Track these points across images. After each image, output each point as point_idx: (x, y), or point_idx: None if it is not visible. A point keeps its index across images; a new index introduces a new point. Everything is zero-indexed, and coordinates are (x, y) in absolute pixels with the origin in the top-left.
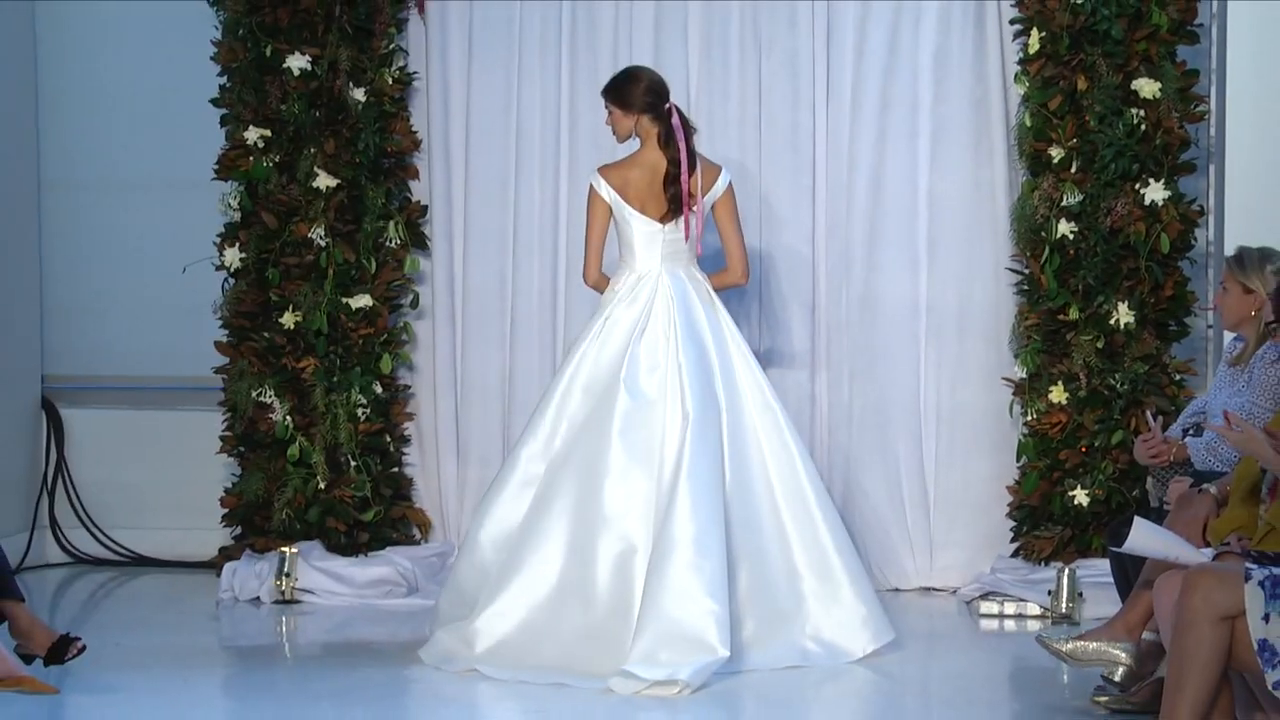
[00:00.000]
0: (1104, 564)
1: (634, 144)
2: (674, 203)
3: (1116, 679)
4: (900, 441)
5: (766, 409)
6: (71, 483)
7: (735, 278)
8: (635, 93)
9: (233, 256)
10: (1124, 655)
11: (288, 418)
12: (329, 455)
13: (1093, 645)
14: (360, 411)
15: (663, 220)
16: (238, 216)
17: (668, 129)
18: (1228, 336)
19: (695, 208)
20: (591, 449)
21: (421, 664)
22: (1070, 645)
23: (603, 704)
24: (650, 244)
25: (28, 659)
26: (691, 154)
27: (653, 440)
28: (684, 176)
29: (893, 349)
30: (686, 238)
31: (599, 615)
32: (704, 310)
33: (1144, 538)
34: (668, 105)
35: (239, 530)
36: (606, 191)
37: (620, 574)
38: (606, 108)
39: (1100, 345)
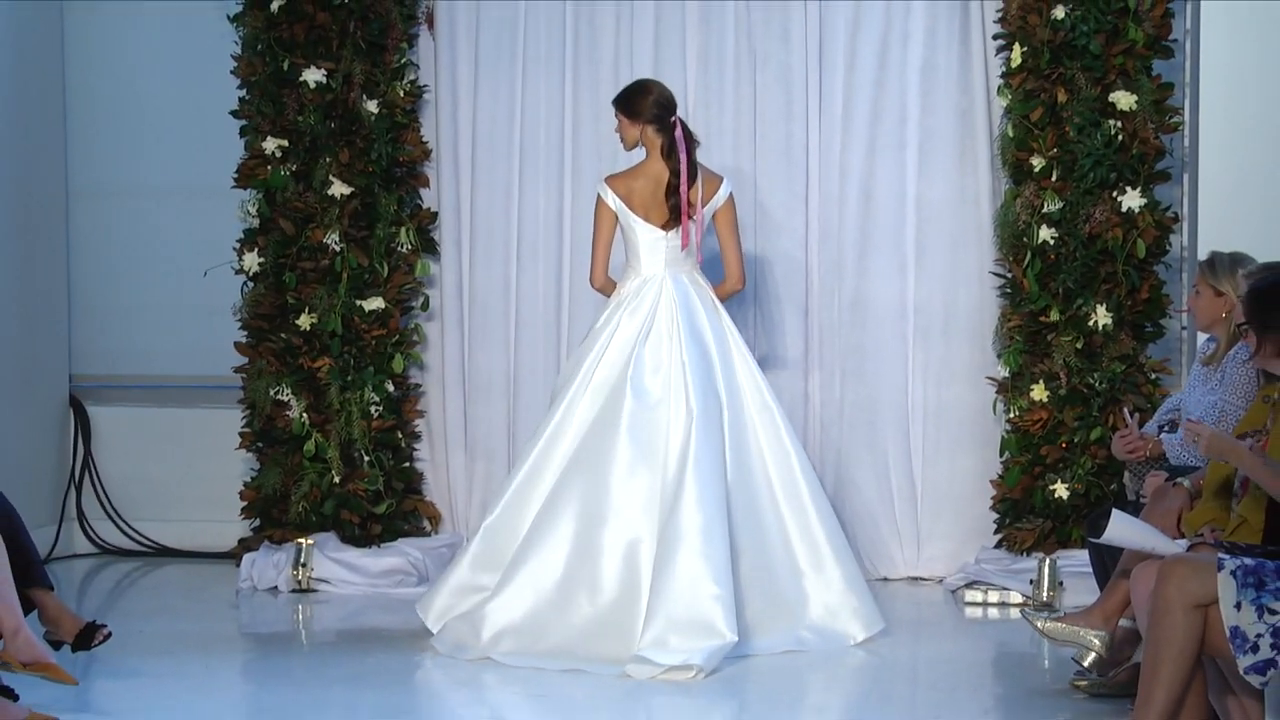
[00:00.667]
0: (1083, 554)
1: (640, 153)
2: (675, 212)
3: (1086, 664)
4: (889, 438)
5: (765, 408)
6: (98, 477)
7: (732, 284)
8: (643, 104)
9: (251, 261)
10: (1096, 642)
11: (304, 415)
12: (343, 451)
13: (1068, 627)
14: (373, 409)
15: (665, 227)
16: (256, 223)
17: (671, 140)
18: (1201, 337)
19: (695, 217)
20: (599, 447)
21: (433, 650)
22: (1047, 624)
23: (615, 688)
24: (654, 250)
25: (56, 645)
26: (693, 165)
27: (657, 437)
28: (683, 187)
29: (882, 349)
30: (684, 246)
31: (606, 605)
32: (705, 313)
33: (1121, 529)
34: (673, 118)
35: (257, 522)
36: (612, 199)
37: (627, 565)
38: (616, 116)
39: (1079, 346)
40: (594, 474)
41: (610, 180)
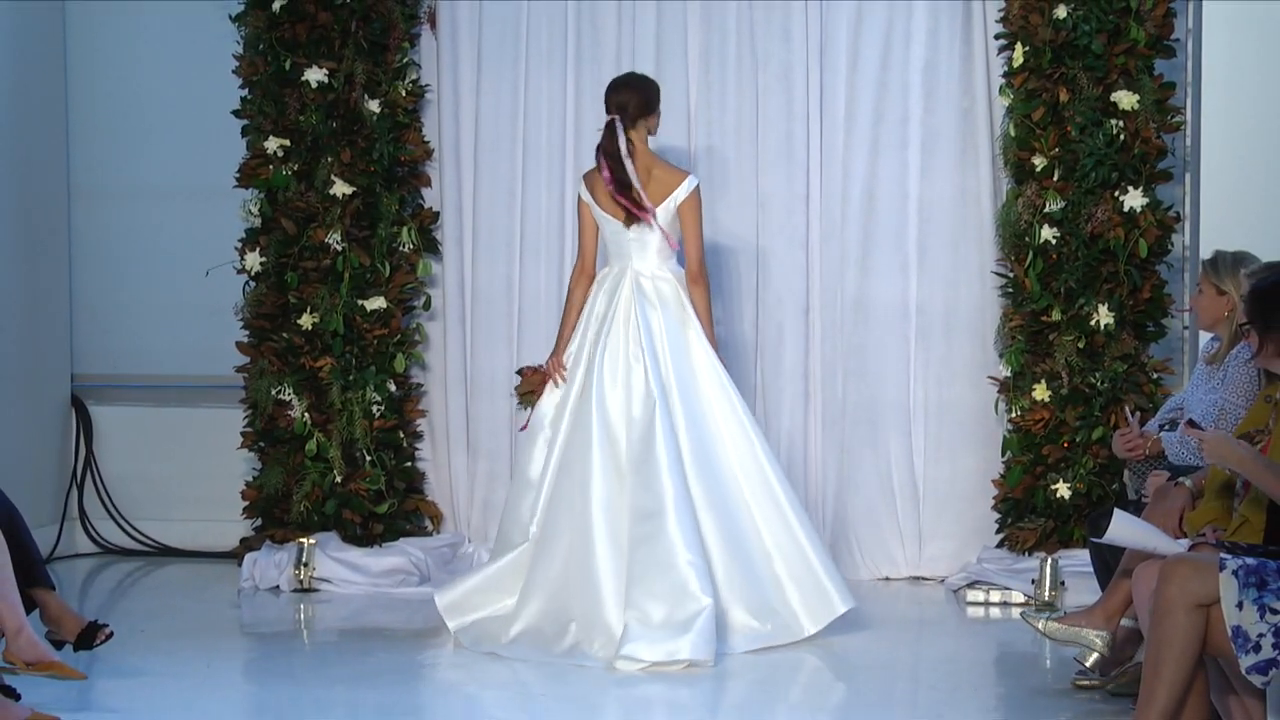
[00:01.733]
0: (1085, 554)
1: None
2: (625, 209)
3: (1087, 664)
4: (891, 438)
5: (724, 398)
6: (100, 476)
7: (690, 278)
8: (610, 100)
9: (253, 260)
10: (1098, 641)
11: (306, 414)
12: (345, 450)
13: (1069, 628)
14: (375, 408)
15: (625, 223)
16: (258, 222)
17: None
18: (1204, 336)
19: (646, 218)
20: (580, 436)
21: (433, 648)
22: (1049, 624)
23: (613, 686)
24: (618, 242)
25: (58, 645)
26: (616, 165)
27: (619, 423)
28: (608, 186)
29: (884, 349)
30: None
31: (598, 586)
32: (661, 306)
33: (1123, 529)
34: (610, 118)
35: (259, 522)
36: (585, 194)
37: (608, 548)
38: None
39: (1081, 345)
40: (578, 463)
41: (585, 175)
